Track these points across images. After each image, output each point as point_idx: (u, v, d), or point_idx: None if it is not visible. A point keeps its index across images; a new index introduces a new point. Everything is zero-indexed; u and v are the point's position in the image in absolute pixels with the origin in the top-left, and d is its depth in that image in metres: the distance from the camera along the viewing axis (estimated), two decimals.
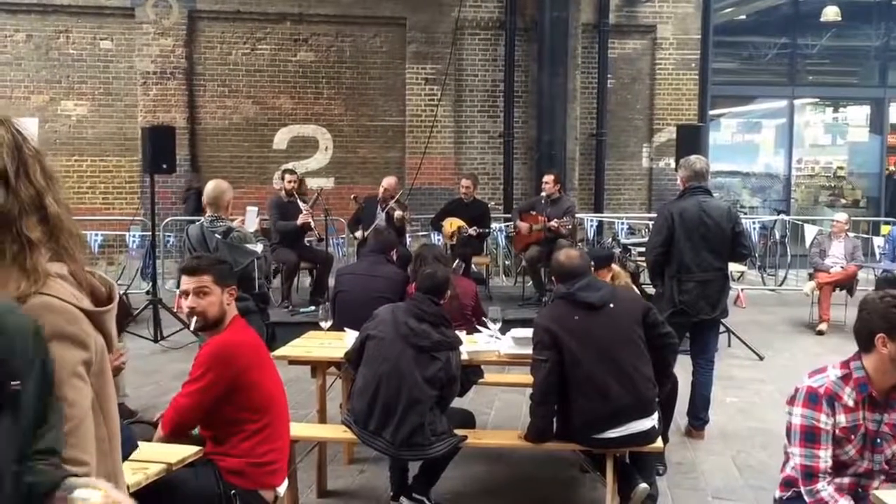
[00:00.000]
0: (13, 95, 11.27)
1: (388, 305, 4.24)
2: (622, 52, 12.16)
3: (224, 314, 3.26)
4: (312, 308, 8.07)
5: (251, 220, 5.72)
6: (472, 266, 8.92)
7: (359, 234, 8.36)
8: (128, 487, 2.52)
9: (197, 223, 5.40)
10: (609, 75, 11.80)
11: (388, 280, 5.32)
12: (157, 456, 2.82)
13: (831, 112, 14.68)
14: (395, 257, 5.68)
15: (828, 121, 14.62)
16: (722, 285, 5.30)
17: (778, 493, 3.05)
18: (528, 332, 4.40)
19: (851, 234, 9.15)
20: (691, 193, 5.26)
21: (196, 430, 3.28)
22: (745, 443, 5.32)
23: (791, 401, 2.89)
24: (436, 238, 9.55)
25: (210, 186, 5.36)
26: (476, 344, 4.57)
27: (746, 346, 7.58)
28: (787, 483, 3.00)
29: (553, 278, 4.16)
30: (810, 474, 2.81)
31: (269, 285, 6.20)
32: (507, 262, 10.85)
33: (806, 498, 2.83)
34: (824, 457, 2.79)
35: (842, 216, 9.19)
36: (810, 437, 2.81)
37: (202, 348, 3.25)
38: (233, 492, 3.08)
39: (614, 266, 5.05)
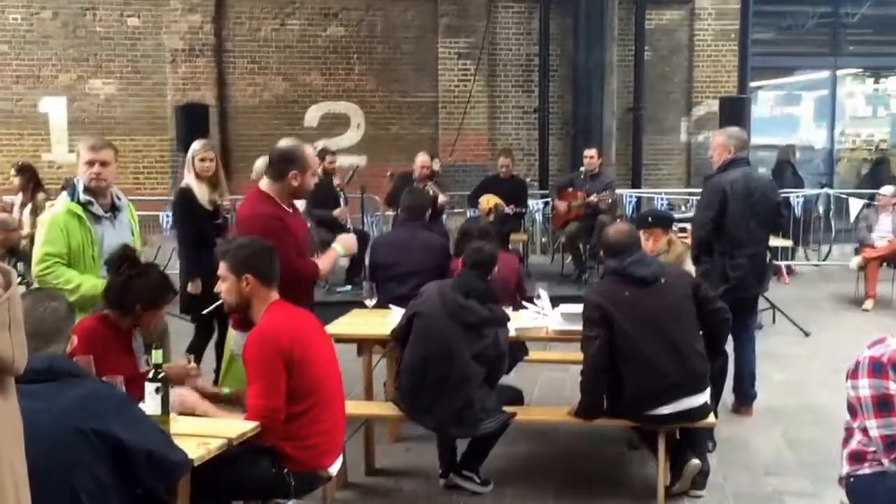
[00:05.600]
0: (41, 74, 11.28)
1: (434, 282, 4.21)
2: (659, 24, 11.90)
3: (246, 301, 3.20)
4: (349, 287, 8.04)
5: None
6: (510, 244, 8.84)
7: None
8: (191, 462, 2.52)
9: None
10: (646, 48, 11.55)
11: (425, 250, 5.10)
12: (217, 431, 2.80)
13: (872, 83, 14.28)
14: (428, 217, 5.50)
15: (869, 92, 14.23)
16: (766, 258, 5.28)
17: (846, 469, 2.93)
18: (577, 309, 4.35)
19: None
20: (735, 165, 5.12)
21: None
22: (794, 419, 5.23)
23: (853, 374, 2.80)
24: (471, 215, 9.46)
25: (259, 163, 5.36)
26: (522, 320, 4.51)
27: (792, 322, 7.43)
28: (856, 457, 2.88)
29: (602, 253, 4.08)
30: (894, 443, 2.70)
31: None
32: (544, 240, 10.74)
33: (893, 467, 2.71)
34: None
35: (888, 189, 8.91)
36: (884, 405, 2.72)
37: (244, 347, 3.16)
38: (286, 470, 3.06)
39: (671, 234, 4.93)
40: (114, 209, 4.01)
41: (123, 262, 3.37)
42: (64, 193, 3.99)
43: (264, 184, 3.86)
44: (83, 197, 3.87)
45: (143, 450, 2.29)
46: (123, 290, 3.29)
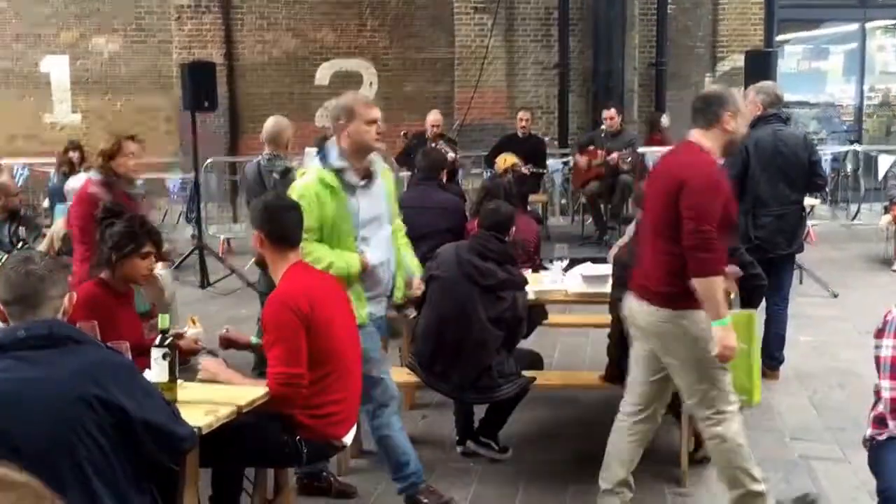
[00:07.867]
0: (42, 33, 11.08)
1: (451, 244, 4.12)
2: None
3: (264, 257, 3.11)
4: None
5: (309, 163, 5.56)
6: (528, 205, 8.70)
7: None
8: (199, 430, 2.44)
9: (254, 161, 5.27)
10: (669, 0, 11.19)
11: (440, 210, 5.07)
12: (226, 398, 2.73)
13: None
14: (444, 178, 5.40)
15: None
16: (798, 218, 5.10)
17: (869, 432, 2.86)
18: (598, 270, 4.24)
19: None
20: (765, 122, 4.97)
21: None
22: (821, 382, 5.14)
23: (879, 333, 2.73)
24: (488, 175, 9.31)
25: (269, 123, 5.21)
26: (541, 283, 4.41)
27: (819, 283, 7.29)
28: (880, 420, 2.80)
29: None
30: None
31: None
32: (563, 201, 10.54)
33: None
34: None
35: None
36: None
37: (264, 312, 3.07)
38: (298, 438, 2.98)
39: None
40: (368, 176, 3.49)
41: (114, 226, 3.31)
42: (316, 160, 3.46)
43: (695, 135, 3.22)
44: (338, 163, 3.36)
45: (148, 422, 2.21)
46: (123, 246, 3.25)
